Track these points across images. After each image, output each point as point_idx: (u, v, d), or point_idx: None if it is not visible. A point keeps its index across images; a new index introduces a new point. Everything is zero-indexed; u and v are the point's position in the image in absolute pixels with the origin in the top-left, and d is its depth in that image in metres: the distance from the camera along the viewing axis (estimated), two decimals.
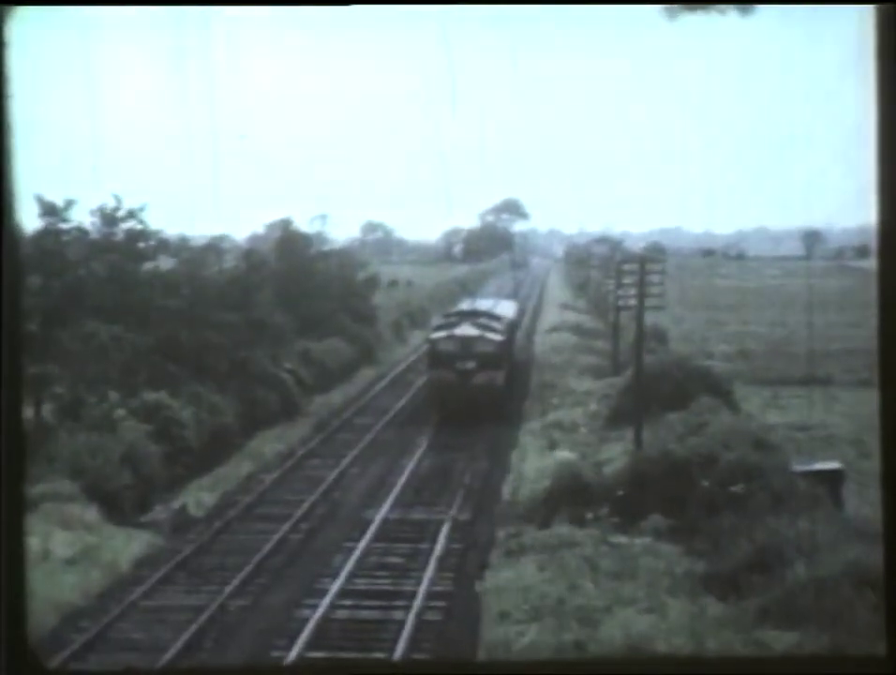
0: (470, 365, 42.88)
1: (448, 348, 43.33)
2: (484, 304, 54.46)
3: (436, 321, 51.04)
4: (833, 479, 26.97)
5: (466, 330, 44.25)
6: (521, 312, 68.74)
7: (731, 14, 13.88)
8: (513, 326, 52.62)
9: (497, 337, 44.16)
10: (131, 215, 38.36)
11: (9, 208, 12.33)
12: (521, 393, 48.33)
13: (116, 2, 13.20)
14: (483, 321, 45.95)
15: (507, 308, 55.04)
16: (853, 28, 13.07)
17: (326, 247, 73.03)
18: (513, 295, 79.89)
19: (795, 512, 23.69)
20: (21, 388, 12.51)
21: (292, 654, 20.13)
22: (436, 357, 43.74)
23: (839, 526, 22.83)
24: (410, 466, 35.69)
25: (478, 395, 42.56)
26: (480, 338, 43.53)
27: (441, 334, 44.57)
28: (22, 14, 12.19)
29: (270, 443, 39.59)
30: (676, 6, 13.51)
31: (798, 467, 27.68)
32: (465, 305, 55.09)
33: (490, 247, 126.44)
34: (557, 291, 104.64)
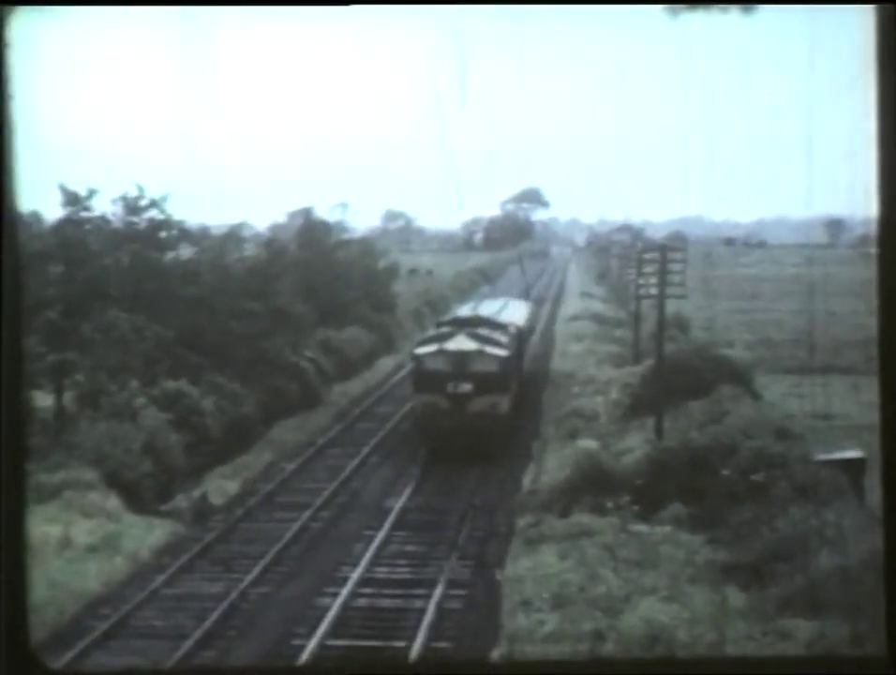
0: (466, 387, 35.00)
1: (438, 366, 35.37)
2: (488, 307, 46.15)
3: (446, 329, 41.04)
4: (855, 468, 26.82)
5: (461, 343, 35.95)
6: (535, 314, 59.10)
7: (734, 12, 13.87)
8: (522, 335, 43.68)
9: (500, 353, 35.90)
10: (153, 204, 38.49)
11: (11, 207, 12.37)
12: (540, 386, 47.63)
13: (117, 2, 13.19)
14: (483, 331, 37.46)
15: (516, 313, 46.64)
16: (854, 26, 13.07)
17: (347, 236, 73.13)
18: (530, 287, 78.39)
19: (817, 501, 23.59)
20: (21, 376, 12.51)
21: (313, 643, 20.17)
22: (423, 378, 35.60)
23: (861, 515, 22.71)
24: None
25: (476, 425, 34.80)
26: (478, 354, 35.46)
27: (430, 348, 36.13)
28: (22, 14, 12.20)
29: (290, 432, 39.67)
30: (679, 5, 13.50)
31: (820, 456, 27.57)
32: (464, 309, 46.61)
33: (511, 235, 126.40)
34: (578, 279, 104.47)
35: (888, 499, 13.01)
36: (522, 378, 42.89)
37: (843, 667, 14.53)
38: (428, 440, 35.47)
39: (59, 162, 35.08)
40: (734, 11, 13.93)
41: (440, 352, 35.65)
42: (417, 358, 36.16)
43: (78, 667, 19.28)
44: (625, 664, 17.41)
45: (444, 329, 38.37)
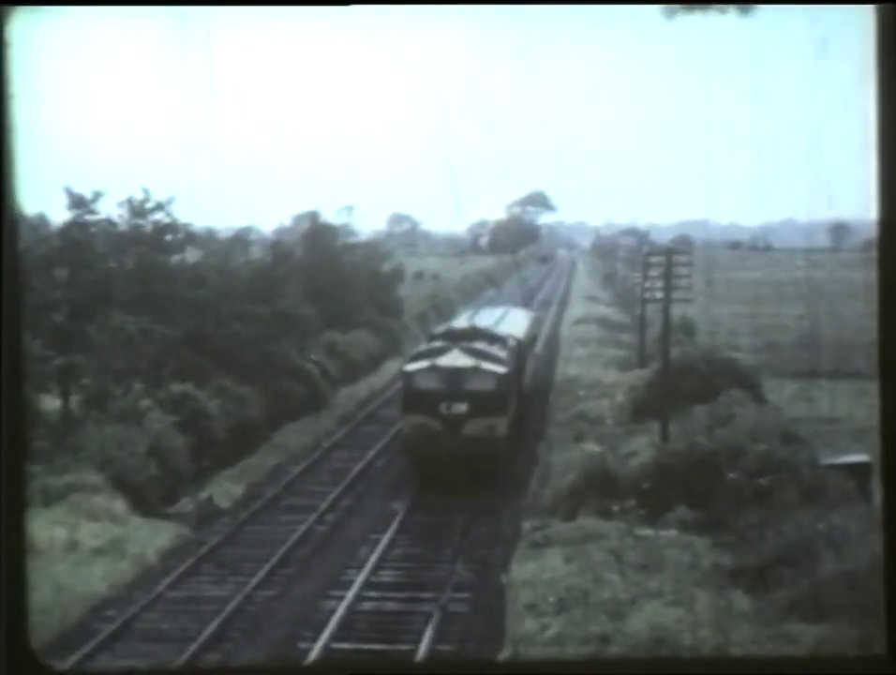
0: (461, 408, 31.72)
1: (430, 385, 32.03)
2: (486, 317, 42.12)
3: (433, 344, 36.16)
4: (862, 472, 26.80)
5: (455, 359, 32.59)
6: (537, 324, 53.76)
7: (731, 13, 13.86)
8: (523, 348, 39.63)
9: (498, 369, 32.53)
10: (159, 207, 38.52)
11: (11, 208, 12.40)
12: (543, 396, 46.49)
13: (117, 2, 13.21)
14: (479, 345, 33.87)
15: (516, 323, 42.79)
16: (854, 26, 13.06)
17: (353, 239, 73.17)
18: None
19: (823, 505, 23.56)
20: (22, 379, 12.54)
21: (318, 646, 20.18)
22: (413, 397, 32.24)
23: (867, 519, 22.67)
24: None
25: (471, 450, 31.58)
26: (474, 371, 32.17)
27: (421, 364, 32.69)
28: (22, 14, 12.23)
29: (296, 435, 39.68)
30: (675, 5, 13.49)
31: (827, 460, 27.54)
32: (460, 320, 42.67)
33: (517, 239, 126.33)
34: (583, 283, 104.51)
35: (889, 501, 12.99)
36: (522, 394, 39.30)
37: (843, 667, 14.50)
38: (419, 465, 32.42)
39: (61, 164, 35.13)
40: (732, 12, 13.93)
41: (433, 369, 32.31)
42: (407, 375, 32.80)
43: (83, 668, 19.30)
44: (628, 664, 17.40)
45: (437, 343, 34.70)
